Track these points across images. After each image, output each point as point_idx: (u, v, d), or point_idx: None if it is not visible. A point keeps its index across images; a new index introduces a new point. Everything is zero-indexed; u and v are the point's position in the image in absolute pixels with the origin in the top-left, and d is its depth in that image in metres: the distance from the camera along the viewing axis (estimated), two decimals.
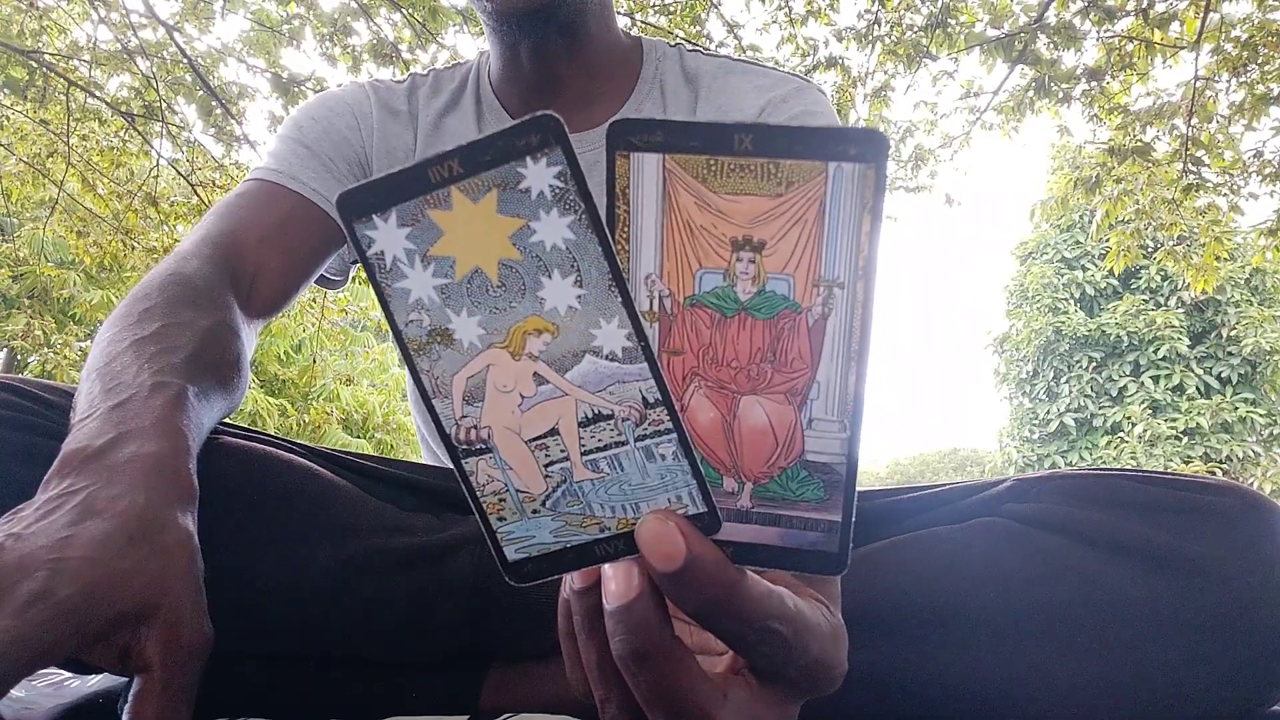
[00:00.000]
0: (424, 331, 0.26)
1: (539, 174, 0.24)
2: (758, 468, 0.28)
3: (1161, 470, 0.57)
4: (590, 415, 0.26)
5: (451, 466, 0.28)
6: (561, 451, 0.27)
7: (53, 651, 0.34)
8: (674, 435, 0.26)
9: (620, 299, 0.25)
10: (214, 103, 3.81)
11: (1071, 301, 14.09)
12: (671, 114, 0.80)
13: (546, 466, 0.27)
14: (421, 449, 0.99)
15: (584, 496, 0.27)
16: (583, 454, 0.27)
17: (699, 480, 0.27)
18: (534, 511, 0.28)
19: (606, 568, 0.27)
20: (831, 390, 0.27)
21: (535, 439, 0.27)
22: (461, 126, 0.81)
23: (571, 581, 0.29)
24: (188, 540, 0.40)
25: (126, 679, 0.37)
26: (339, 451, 0.65)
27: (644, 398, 0.26)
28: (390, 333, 0.26)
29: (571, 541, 0.28)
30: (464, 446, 0.27)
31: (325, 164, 0.77)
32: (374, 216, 0.25)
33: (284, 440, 0.63)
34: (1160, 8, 3.69)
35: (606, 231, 0.24)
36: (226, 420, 0.59)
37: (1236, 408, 12.61)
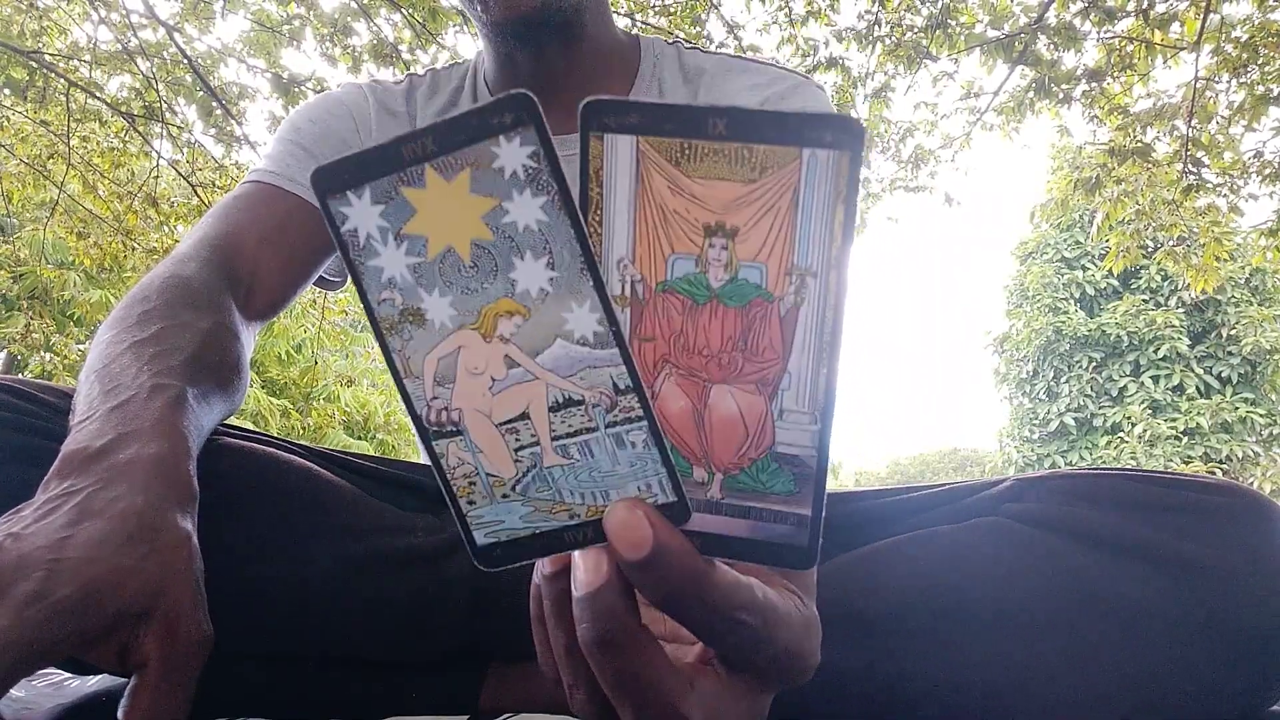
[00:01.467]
0: (396, 311, 0.26)
1: (512, 153, 0.24)
2: (728, 458, 0.28)
3: (1161, 470, 0.57)
4: (561, 400, 0.26)
5: (423, 449, 0.27)
6: (532, 436, 0.27)
7: (51, 651, 0.34)
8: (644, 423, 0.26)
9: (592, 282, 0.25)
10: (214, 103, 3.81)
11: (1071, 301, 14.08)
12: None
13: (516, 451, 0.27)
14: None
15: (554, 482, 0.27)
16: (553, 439, 0.27)
17: (669, 469, 0.26)
18: (504, 496, 0.27)
19: (575, 555, 0.27)
20: (803, 381, 0.27)
21: (506, 423, 0.27)
22: None
23: (541, 567, 0.29)
24: (186, 540, 0.40)
25: (126, 679, 0.37)
26: (339, 452, 0.65)
27: (615, 384, 0.26)
28: (364, 312, 0.26)
29: (541, 528, 0.27)
30: (434, 428, 0.27)
31: None
32: (348, 193, 0.24)
33: (284, 441, 0.63)
34: (1160, 8, 3.69)
35: (579, 213, 0.24)
36: (227, 421, 0.59)
37: (1236, 408, 12.61)
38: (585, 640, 0.27)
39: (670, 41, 0.86)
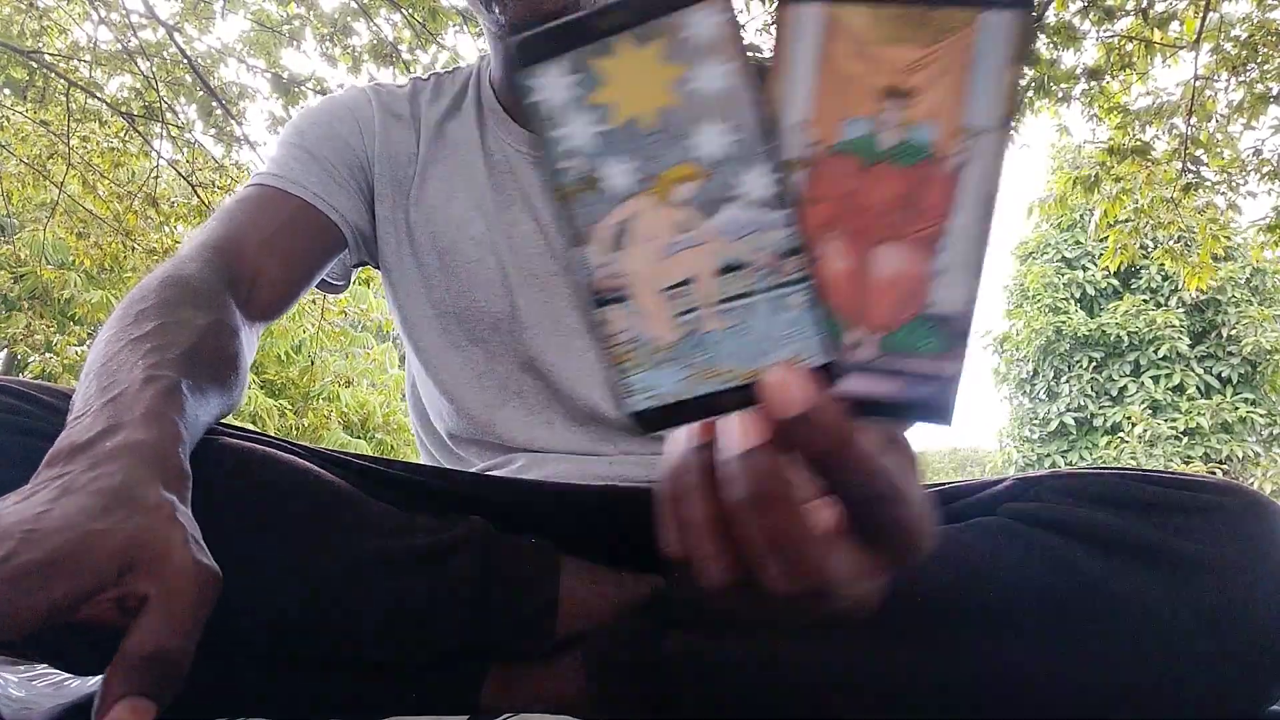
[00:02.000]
0: (576, 178, 0.27)
1: (701, 21, 0.25)
2: (884, 319, 0.28)
3: (1162, 470, 0.57)
4: (726, 264, 0.27)
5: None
6: (694, 301, 0.27)
7: (13, 613, 0.34)
8: (806, 285, 0.26)
9: (769, 147, 0.25)
10: (214, 103, 3.81)
11: (1072, 301, 14.07)
12: None
13: (678, 316, 0.28)
14: (419, 450, 0.99)
15: (711, 347, 0.28)
16: (714, 303, 0.27)
17: (825, 332, 0.27)
18: (661, 361, 0.28)
19: (727, 419, 0.28)
20: (960, 241, 0.27)
21: (670, 288, 0.27)
22: (463, 132, 0.81)
23: (689, 437, 0.29)
24: (167, 503, 0.40)
25: None
26: (339, 452, 0.65)
27: (781, 247, 0.26)
28: (547, 179, 0.27)
29: (696, 392, 0.28)
30: (600, 295, 0.28)
31: (327, 169, 0.76)
32: (541, 64, 0.26)
33: (284, 441, 0.63)
34: (1160, 7, 3.68)
35: (761, 80, 0.25)
36: (225, 421, 0.59)
37: (1237, 408, 12.60)
38: (740, 499, 0.27)
39: None
